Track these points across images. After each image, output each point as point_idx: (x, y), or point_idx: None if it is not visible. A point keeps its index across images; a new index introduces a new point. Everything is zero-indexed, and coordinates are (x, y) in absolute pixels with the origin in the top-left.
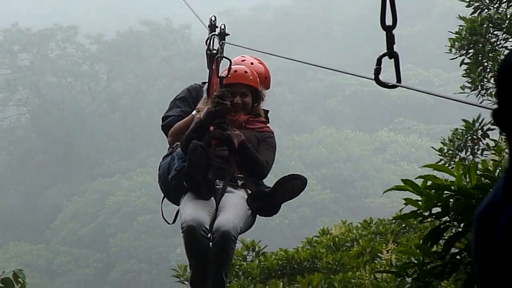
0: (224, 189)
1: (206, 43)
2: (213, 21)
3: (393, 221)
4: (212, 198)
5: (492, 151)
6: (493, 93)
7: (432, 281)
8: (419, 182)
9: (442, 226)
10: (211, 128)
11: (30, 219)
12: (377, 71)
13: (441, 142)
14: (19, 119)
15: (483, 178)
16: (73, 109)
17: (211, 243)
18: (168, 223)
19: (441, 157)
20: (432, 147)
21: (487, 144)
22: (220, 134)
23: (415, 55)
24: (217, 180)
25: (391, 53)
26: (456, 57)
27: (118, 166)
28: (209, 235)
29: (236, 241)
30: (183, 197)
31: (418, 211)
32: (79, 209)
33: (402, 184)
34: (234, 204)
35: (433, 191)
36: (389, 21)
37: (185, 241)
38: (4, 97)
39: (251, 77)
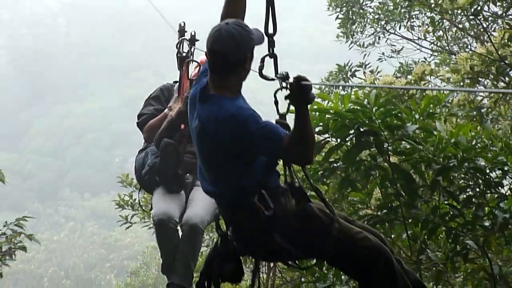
0: (193, 183)
1: (176, 47)
2: (182, 26)
3: None
4: (182, 191)
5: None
6: (361, 43)
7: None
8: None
9: (323, 141)
10: (182, 126)
11: (7, 134)
12: (261, 68)
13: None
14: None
15: (353, 105)
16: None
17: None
18: (145, 211)
19: (319, 91)
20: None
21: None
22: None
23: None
24: (187, 174)
25: (272, 55)
26: (332, 14)
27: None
28: (178, 227)
29: (204, 232)
30: (155, 190)
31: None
32: (44, 127)
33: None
34: (201, 197)
35: (316, 113)
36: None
37: (156, 233)
38: None
39: None
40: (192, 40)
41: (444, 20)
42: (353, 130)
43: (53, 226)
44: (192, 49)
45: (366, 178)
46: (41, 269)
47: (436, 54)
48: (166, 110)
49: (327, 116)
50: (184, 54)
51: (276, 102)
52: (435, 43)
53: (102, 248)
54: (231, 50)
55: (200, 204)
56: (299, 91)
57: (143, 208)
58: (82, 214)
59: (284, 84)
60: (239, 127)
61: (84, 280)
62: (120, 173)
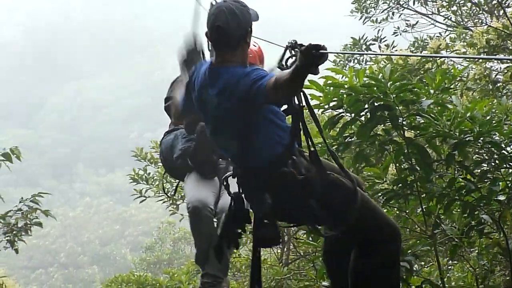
0: (227, 168)
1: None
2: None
3: None
4: (216, 178)
5: (372, 61)
6: (375, 19)
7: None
8: (321, 82)
9: (337, 116)
10: None
11: (22, 110)
12: None
13: (334, 56)
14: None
15: (368, 79)
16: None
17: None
18: (168, 196)
19: (334, 66)
20: (328, 60)
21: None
22: None
23: None
24: (220, 160)
25: None
26: None
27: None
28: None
29: (208, 217)
30: (187, 176)
31: (320, 104)
32: (59, 103)
33: (308, 83)
34: None
35: (331, 88)
36: None
37: (191, 221)
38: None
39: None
40: None
41: None
42: (367, 105)
43: (67, 202)
44: None
45: (380, 153)
46: (56, 245)
47: (450, 29)
48: None
49: (341, 90)
50: None
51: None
52: (450, 18)
53: (117, 223)
54: (233, 24)
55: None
56: (310, 61)
57: (158, 183)
58: (97, 189)
59: (293, 52)
60: (244, 77)
61: (99, 255)
62: (134, 148)
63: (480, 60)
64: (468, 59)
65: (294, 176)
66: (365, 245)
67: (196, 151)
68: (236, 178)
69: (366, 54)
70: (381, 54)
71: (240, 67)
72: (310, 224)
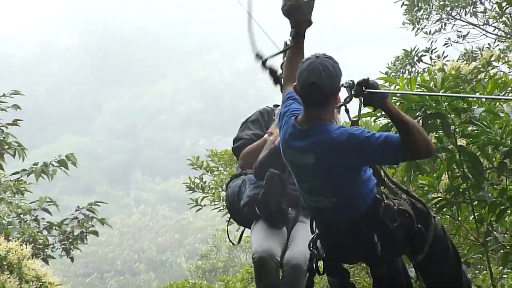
0: (296, 218)
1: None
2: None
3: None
4: (284, 227)
5: (425, 71)
6: (426, 31)
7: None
8: None
9: (390, 124)
10: None
11: (79, 116)
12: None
13: (386, 67)
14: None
15: (420, 88)
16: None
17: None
18: (233, 244)
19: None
20: (379, 71)
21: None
22: None
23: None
24: (289, 209)
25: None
26: (398, 0)
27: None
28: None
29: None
30: (254, 224)
31: (373, 112)
32: (115, 110)
33: None
34: (305, 235)
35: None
36: None
37: (256, 272)
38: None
39: None
40: None
41: (509, 6)
42: (420, 113)
43: (123, 209)
44: None
45: (433, 161)
46: (114, 253)
47: (501, 40)
48: (265, 136)
49: (393, 99)
50: None
51: (347, 111)
52: (500, 28)
53: (174, 231)
54: (327, 81)
55: (305, 242)
56: (367, 96)
57: (213, 191)
58: (153, 197)
59: (353, 92)
60: (359, 145)
61: (156, 262)
62: (190, 155)
63: None
64: None
65: (404, 211)
66: (441, 274)
67: (265, 199)
68: (318, 231)
69: (396, 92)
70: (410, 93)
71: (332, 125)
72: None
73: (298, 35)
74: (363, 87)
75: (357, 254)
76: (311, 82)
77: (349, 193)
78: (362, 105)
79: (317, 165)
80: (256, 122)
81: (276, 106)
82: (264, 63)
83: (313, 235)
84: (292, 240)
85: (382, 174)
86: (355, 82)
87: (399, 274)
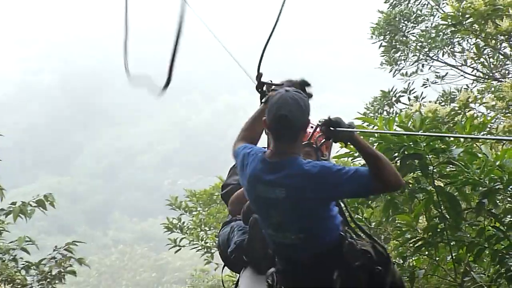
0: None
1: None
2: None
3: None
4: None
5: (403, 112)
6: (404, 72)
7: (359, 207)
8: None
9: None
10: None
11: (59, 156)
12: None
13: (364, 108)
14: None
15: (398, 128)
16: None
17: None
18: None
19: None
20: (358, 112)
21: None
22: None
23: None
24: None
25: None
26: (376, 42)
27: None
28: None
29: None
30: (243, 270)
31: (350, 152)
32: (96, 150)
33: None
34: None
35: (362, 137)
36: None
37: None
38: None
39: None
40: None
41: (487, 47)
42: (398, 153)
43: (102, 249)
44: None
45: (410, 201)
46: None
47: (480, 80)
48: None
49: (371, 139)
50: None
51: (316, 149)
52: (478, 69)
53: (153, 270)
54: (297, 114)
55: None
56: (333, 134)
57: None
58: (131, 236)
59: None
60: (330, 177)
61: None
62: (168, 195)
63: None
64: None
65: (366, 251)
66: None
67: (250, 245)
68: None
69: (371, 132)
70: (388, 133)
71: (301, 159)
72: None
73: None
74: (329, 126)
75: None
76: (282, 114)
77: (317, 228)
78: (333, 141)
79: (287, 199)
80: None
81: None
82: (260, 84)
83: (272, 269)
84: None
85: (347, 214)
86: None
87: None
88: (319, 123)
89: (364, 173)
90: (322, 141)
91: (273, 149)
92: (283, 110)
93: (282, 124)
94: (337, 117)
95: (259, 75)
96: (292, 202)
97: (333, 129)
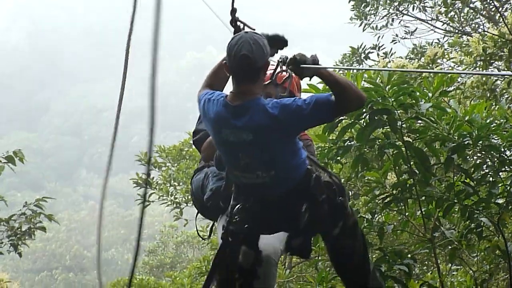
0: None
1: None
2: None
3: None
4: None
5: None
6: (374, 25)
7: (329, 162)
8: (320, 86)
9: (336, 120)
10: None
11: (27, 113)
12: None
13: (333, 65)
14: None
15: (367, 83)
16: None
17: None
18: (203, 239)
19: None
20: None
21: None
22: None
23: None
24: None
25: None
26: None
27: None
28: None
29: (277, 264)
30: (220, 217)
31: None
32: (63, 108)
33: (308, 87)
34: None
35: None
36: None
37: None
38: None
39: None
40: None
41: (457, 1)
42: (366, 109)
43: (71, 205)
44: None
45: (380, 157)
46: (61, 248)
47: (449, 35)
48: None
49: None
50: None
51: (276, 85)
52: (448, 23)
53: (121, 227)
54: (258, 54)
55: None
56: (301, 71)
57: (161, 186)
58: (100, 192)
59: (284, 68)
60: (292, 113)
61: (103, 259)
62: (137, 152)
63: (478, 69)
64: (465, 69)
65: (330, 183)
66: (347, 260)
67: (228, 190)
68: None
69: (350, 68)
70: (371, 69)
71: (263, 99)
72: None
73: None
74: (296, 63)
75: (281, 225)
76: (243, 54)
77: (287, 164)
78: (300, 77)
79: (255, 141)
80: None
81: None
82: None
83: (238, 205)
84: None
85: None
86: (289, 58)
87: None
88: (280, 60)
89: (325, 99)
90: (284, 78)
91: (235, 90)
92: (243, 50)
93: (244, 64)
94: (301, 54)
95: (233, 10)
96: (259, 143)
97: (302, 66)
